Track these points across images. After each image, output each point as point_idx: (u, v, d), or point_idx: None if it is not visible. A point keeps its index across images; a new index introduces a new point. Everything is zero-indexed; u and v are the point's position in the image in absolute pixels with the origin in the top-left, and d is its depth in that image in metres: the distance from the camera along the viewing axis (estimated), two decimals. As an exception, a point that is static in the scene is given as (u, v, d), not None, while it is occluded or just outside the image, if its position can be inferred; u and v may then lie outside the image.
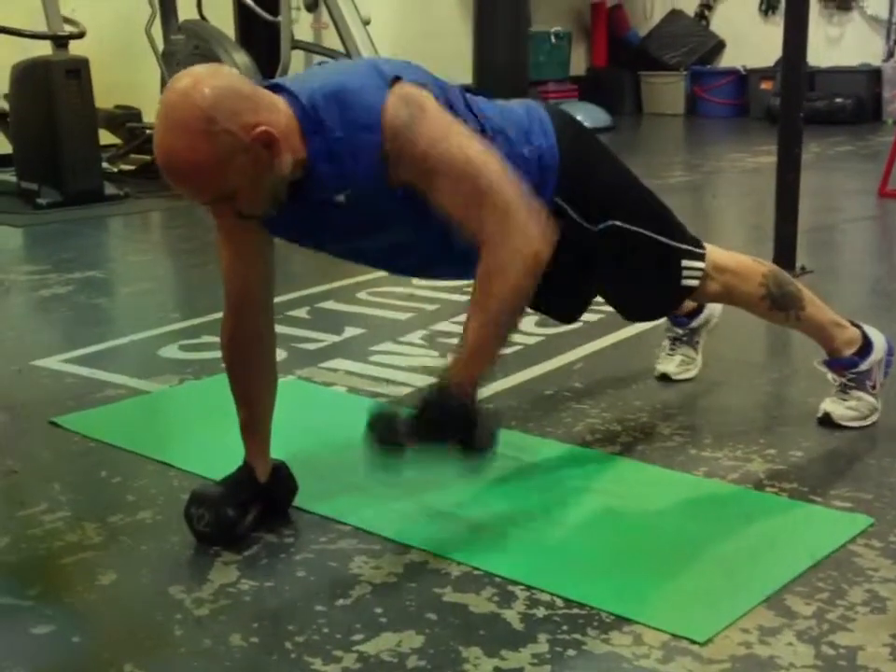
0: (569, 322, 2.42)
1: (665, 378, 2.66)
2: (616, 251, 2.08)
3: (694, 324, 2.65)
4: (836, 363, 2.35)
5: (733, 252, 2.27)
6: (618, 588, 1.72)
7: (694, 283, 2.15)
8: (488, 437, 1.72)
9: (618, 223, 2.05)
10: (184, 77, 1.67)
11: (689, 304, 2.58)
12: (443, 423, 1.70)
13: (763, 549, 1.85)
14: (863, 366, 2.32)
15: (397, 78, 1.74)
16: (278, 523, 1.96)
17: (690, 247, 2.15)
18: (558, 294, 2.14)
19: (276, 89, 1.76)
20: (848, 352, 2.32)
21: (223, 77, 1.68)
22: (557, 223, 1.79)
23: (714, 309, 2.64)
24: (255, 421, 1.97)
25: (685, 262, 2.13)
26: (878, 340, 2.36)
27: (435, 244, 1.87)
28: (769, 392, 2.67)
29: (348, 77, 1.78)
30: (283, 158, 1.69)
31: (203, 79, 1.65)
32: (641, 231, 2.08)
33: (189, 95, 1.63)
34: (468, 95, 1.94)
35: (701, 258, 2.15)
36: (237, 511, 1.89)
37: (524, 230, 1.69)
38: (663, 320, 2.65)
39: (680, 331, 2.66)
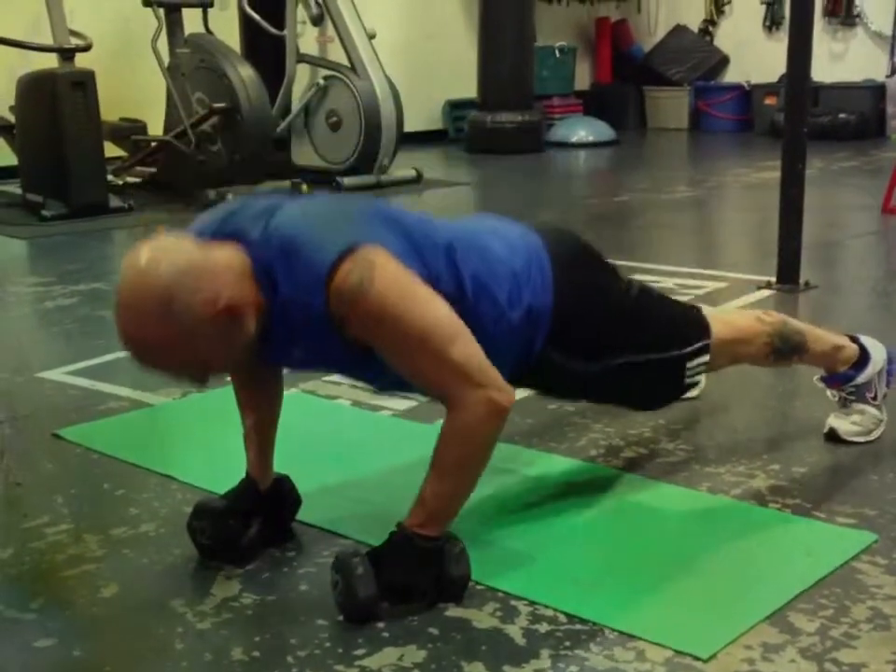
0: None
1: None
2: (617, 381, 2.02)
3: None
4: (833, 379, 2.35)
5: (740, 313, 2.23)
6: (621, 604, 1.72)
7: (699, 378, 2.12)
8: (460, 576, 1.72)
9: (620, 360, 1.99)
10: (136, 257, 1.62)
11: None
12: (411, 573, 1.69)
13: (766, 565, 1.84)
14: (860, 379, 2.32)
15: (354, 245, 1.64)
16: (280, 537, 1.96)
17: (695, 347, 2.07)
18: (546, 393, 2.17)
19: (231, 234, 1.70)
20: (844, 367, 2.32)
21: (178, 254, 1.63)
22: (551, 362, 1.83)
23: None
24: (259, 433, 1.97)
25: (689, 363, 2.07)
26: (877, 351, 2.35)
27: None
28: (773, 408, 2.67)
29: (305, 229, 1.68)
30: (247, 322, 1.65)
31: (156, 259, 1.60)
32: (646, 357, 2.02)
33: (144, 280, 1.59)
34: (459, 252, 1.80)
35: (706, 350, 2.08)
36: (240, 525, 1.89)
37: (481, 393, 1.65)
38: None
39: None
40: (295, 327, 1.69)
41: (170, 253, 1.63)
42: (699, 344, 2.08)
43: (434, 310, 1.67)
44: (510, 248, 1.91)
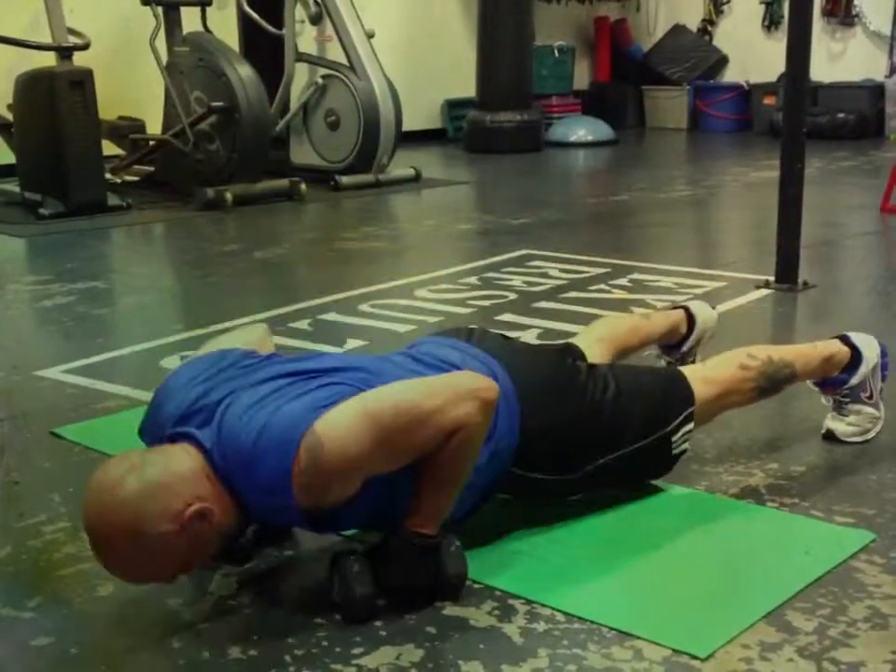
0: None
1: None
2: (605, 477, 2.00)
3: (685, 348, 2.62)
4: (826, 384, 2.35)
5: (725, 361, 2.17)
6: (618, 602, 1.72)
7: (686, 445, 2.08)
8: (457, 575, 1.71)
9: (601, 460, 1.97)
10: (97, 492, 1.59)
11: (679, 331, 2.58)
12: (409, 571, 1.69)
13: (764, 564, 1.84)
14: (854, 380, 2.32)
15: (299, 435, 1.59)
16: (278, 535, 1.95)
17: (678, 420, 2.04)
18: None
19: (185, 435, 1.68)
20: (837, 372, 2.32)
21: (136, 477, 1.58)
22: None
23: (705, 325, 2.61)
24: None
25: (675, 437, 2.04)
26: (869, 348, 2.34)
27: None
28: (771, 406, 2.66)
29: (254, 436, 1.62)
30: (220, 518, 1.63)
31: (115, 492, 1.57)
32: (630, 448, 1.99)
33: (108, 516, 1.57)
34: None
35: (690, 418, 2.06)
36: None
37: (469, 405, 1.66)
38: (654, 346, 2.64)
39: (671, 360, 2.63)
40: (277, 520, 1.72)
41: (126, 482, 1.58)
42: (682, 416, 2.05)
43: (381, 403, 1.65)
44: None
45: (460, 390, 1.69)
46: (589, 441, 1.98)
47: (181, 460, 1.64)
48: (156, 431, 1.75)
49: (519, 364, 1.98)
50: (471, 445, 1.70)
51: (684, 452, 2.09)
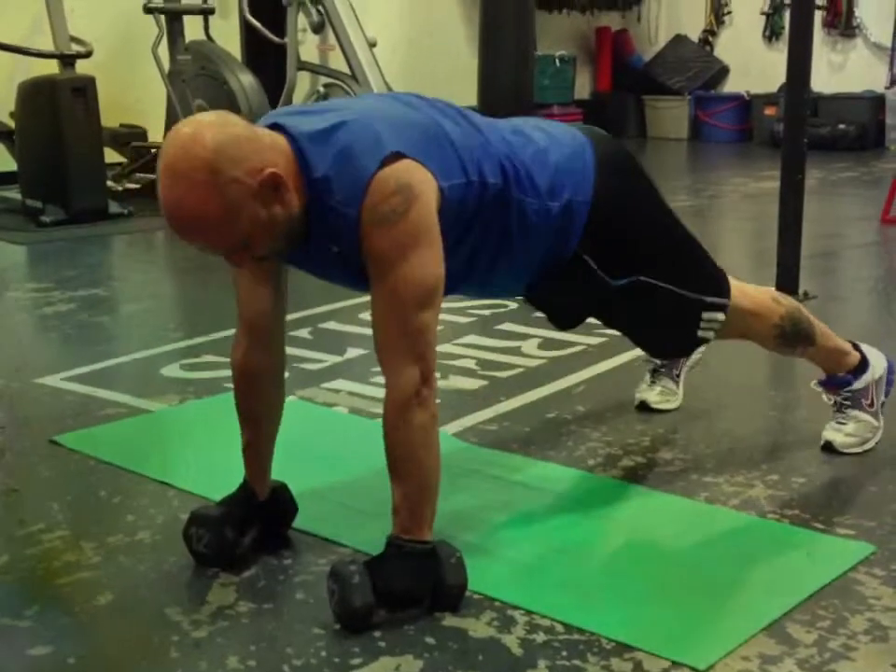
0: (565, 329, 2.35)
1: (644, 406, 2.62)
2: (635, 303, 2.04)
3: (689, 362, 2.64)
4: (830, 382, 2.36)
5: (757, 289, 2.24)
6: (618, 614, 1.71)
7: (711, 335, 2.13)
8: (456, 585, 1.71)
9: (642, 278, 2.01)
10: (182, 128, 1.63)
11: None
12: (407, 581, 1.69)
13: (764, 576, 1.84)
14: (858, 384, 2.33)
15: (398, 155, 1.67)
16: (277, 544, 1.95)
17: (714, 299, 2.10)
18: (560, 311, 2.16)
19: (276, 128, 1.72)
20: (843, 372, 2.33)
21: (222, 124, 1.63)
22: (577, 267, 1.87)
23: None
24: (259, 442, 1.96)
25: (706, 315, 2.09)
26: (877, 359, 2.37)
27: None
28: (772, 417, 2.66)
29: (351, 134, 1.69)
30: (291, 197, 1.66)
31: (202, 129, 1.61)
32: (667, 286, 2.03)
33: (190, 148, 1.58)
34: (500, 125, 1.91)
35: (723, 309, 2.11)
36: (236, 532, 1.89)
37: (414, 372, 1.67)
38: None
39: (659, 362, 2.64)
40: (333, 232, 1.71)
41: (214, 124, 1.63)
42: (719, 300, 2.11)
43: (429, 267, 1.69)
44: (554, 142, 1.96)
45: (426, 352, 1.69)
46: (646, 242, 2.04)
47: (273, 136, 1.68)
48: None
49: (599, 135, 2.10)
50: (399, 423, 1.68)
51: (705, 341, 2.15)
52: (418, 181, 1.68)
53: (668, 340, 2.19)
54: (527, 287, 2.06)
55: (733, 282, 2.18)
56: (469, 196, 1.79)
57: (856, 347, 2.36)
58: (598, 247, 1.98)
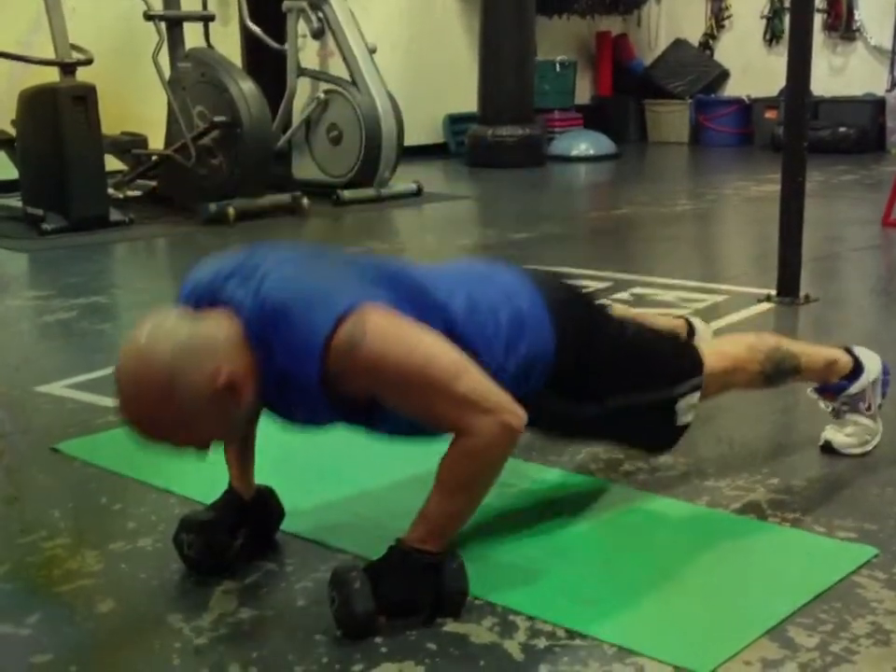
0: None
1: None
2: (609, 421, 2.01)
3: None
4: (826, 389, 2.35)
5: (732, 341, 2.22)
6: (620, 618, 1.71)
7: (690, 418, 2.08)
8: (458, 591, 1.71)
9: (613, 402, 1.98)
10: (138, 341, 1.62)
11: (678, 338, 2.57)
12: (409, 588, 1.69)
13: (765, 580, 1.83)
14: (853, 389, 2.32)
15: (348, 309, 1.62)
16: (268, 548, 1.96)
17: (683, 386, 2.06)
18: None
19: (223, 300, 1.69)
20: (837, 379, 2.32)
21: (176, 333, 1.62)
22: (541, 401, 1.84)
23: (701, 340, 2.61)
24: (238, 445, 1.96)
25: (680, 404, 2.05)
26: (872, 362, 2.35)
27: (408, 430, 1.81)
28: (772, 421, 2.66)
29: (298, 295, 1.65)
30: (246, 395, 1.66)
31: (157, 343, 1.60)
32: (637, 397, 2.01)
33: (146, 365, 1.59)
34: (455, 308, 1.80)
35: (696, 388, 2.07)
36: (227, 537, 1.89)
37: (491, 419, 1.64)
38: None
39: None
40: (292, 394, 1.69)
41: (169, 333, 1.62)
42: (691, 383, 2.06)
43: (431, 346, 1.67)
44: (506, 299, 1.88)
45: (491, 399, 1.66)
46: (609, 368, 1.99)
47: (221, 325, 1.66)
48: (193, 295, 1.75)
49: (545, 280, 2.03)
50: (481, 458, 1.67)
51: (687, 427, 2.09)
52: (365, 313, 1.63)
53: (650, 439, 2.14)
54: None
55: (705, 345, 2.16)
56: None
57: (849, 351, 2.35)
58: (562, 387, 1.94)
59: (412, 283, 1.80)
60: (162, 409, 1.61)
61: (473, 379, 1.67)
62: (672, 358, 2.10)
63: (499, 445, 1.68)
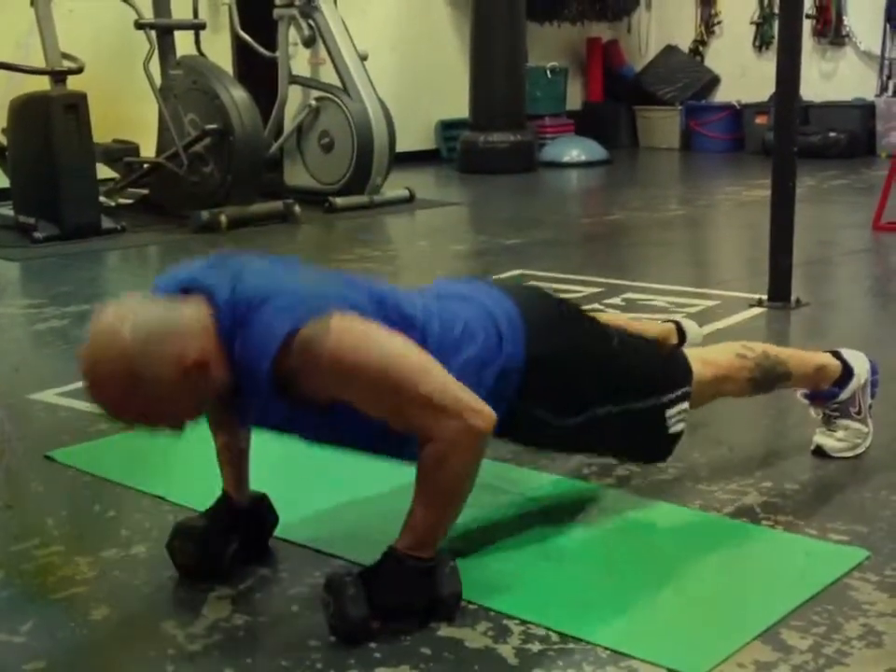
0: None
1: None
2: (596, 431, 2.01)
3: None
4: (816, 396, 2.36)
5: (721, 349, 2.23)
6: (613, 622, 1.72)
7: (681, 426, 2.08)
8: (452, 595, 1.71)
9: (600, 412, 1.98)
10: (103, 326, 1.62)
11: (670, 341, 2.57)
12: (403, 593, 1.69)
13: (758, 582, 1.84)
14: (844, 395, 2.33)
15: (314, 313, 1.63)
16: (262, 555, 1.96)
17: (672, 395, 2.05)
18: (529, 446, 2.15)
19: (203, 290, 1.70)
20: (827, 385, 2.33)
21: (143, 317, 1.62)
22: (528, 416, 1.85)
23: (693, 342, 2.61)
24: (232, 451, 1.96)
25: (669, 412, 2.04)
26: (860, 364, 2.35)
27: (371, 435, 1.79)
28: (764, 425, 2.67)
29: (267, 297, 1.66)
30: (214, 373, 1.66)
31: (122, 327, 1.60)
32: (622, 407, 2.00)
33: (111, 351, 1.59)
34: (427, 322, 1.80)
35: (686, 397, 2.07)
36: (220, 543, 1.89)
37: (455, 424, 1.64)
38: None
39: None
40: (245, 386, 1.68)
41: (135, 318, 1.62)
42: (679, 391, 2.06)
43: (395, 348, 1.67)
44: (483, 315, 1.88)
45: (456, 401, 1.65)
46: (591, 378, 1.97)
47: (193, 310, 1.66)
48: (167, 287, 1.75)
49: (524, 295, 2.02)
50: (450, 463, 1.66)
51: (679, 435, 2.09)
52: (329, 317, 1.64)
53: (640, 449, 2.14)
54: None
55: (693, 353, 2.16)
56: None
57: (838, 356, 2.35)
58: (545, 401, 1.94)
59: (385, 298, 1.79)
60: (129, 390, 1.60)
61: (438, 380, 1.67)
62: (659, 368, 2.09)
63: (466, 449, 1.67)
